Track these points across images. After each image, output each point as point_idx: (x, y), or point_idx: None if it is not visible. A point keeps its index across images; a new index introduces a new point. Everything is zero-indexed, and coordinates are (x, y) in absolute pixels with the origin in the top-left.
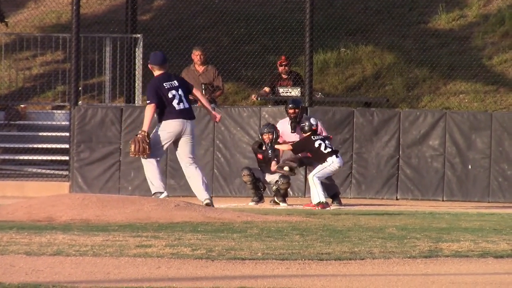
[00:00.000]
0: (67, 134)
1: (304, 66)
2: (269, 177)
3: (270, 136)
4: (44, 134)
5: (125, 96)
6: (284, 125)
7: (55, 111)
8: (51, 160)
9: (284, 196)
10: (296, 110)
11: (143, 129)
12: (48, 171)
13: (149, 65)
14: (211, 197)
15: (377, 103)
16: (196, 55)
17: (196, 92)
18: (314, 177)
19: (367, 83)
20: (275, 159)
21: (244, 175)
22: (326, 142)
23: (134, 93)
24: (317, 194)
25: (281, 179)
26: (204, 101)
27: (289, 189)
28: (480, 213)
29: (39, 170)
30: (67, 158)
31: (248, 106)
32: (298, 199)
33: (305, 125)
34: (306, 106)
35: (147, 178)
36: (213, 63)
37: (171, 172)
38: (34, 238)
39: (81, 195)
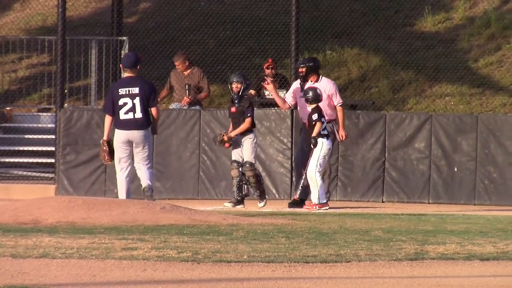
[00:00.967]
0: (53, 136)
1: (289, 68)
2: (235, 154)
3: (239, 86)
4: (30, 136)
5: None
6: (297, 85)
7: (41, 113)
8: (37, 163)
9: (245, 194)
10: (303, 69)
11: (103, 137)
12: (34, 174)
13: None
14: (151, 192)
15: (363, 106)
16: (177, 64)
17: (153, 110)
18: (315, 174)
19: (353, 86)
20: (249, 114)
21: (232, 168)
22: (325, 124)
23: None
24: (317, 193)
25: (244, 167)
26: (155, 122)
27: (249, 188)
28: (466, 216)
29: (25, 173)
30: (53, 160)
31: None
32: (284, 201)
33: (309, 96)
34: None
35: None
36: (199, 65)
37: (157, 175)
38: (20, 241)
39: (67, 197)
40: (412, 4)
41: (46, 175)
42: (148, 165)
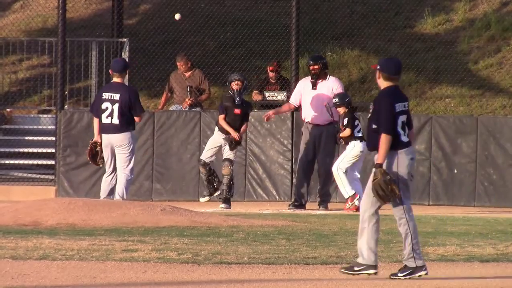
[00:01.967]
0: (53, 138)
1: (290, 70)
2: (225, 153)
3: (240, 84)
4: (30, 138)
5: None
6: (306, 82)
7: (41, 115)
8: (37, 165)
9: (214, 188)
10: (316, 66)
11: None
12: (34, 176)
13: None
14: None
15: (363, 108)
16: (180, 65)
17: (137, 119)
18: (338, 169)
19: (353, 88)
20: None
21: (201, 165)
22: (359, 127)
23: None
24: (344, 188)
25: (223, 163)
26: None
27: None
28: (466, 218)
29: (25, 175)
30: (53, 162)
31: None
32: (284, 203)
33: (337, 101)
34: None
35: None
36: (199, 67)
37: (157, 177)
38: (20, 243)
39: (67, 199)
40: (412, 6)
41: (46, 176)
42: (127, 169)
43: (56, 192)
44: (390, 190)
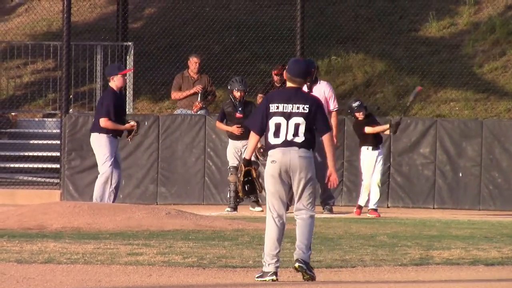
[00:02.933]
0: (58, 142)
1: None
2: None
3: (242, 94)
4: (35, 142)
5: None
6: None
7: (46, 119)
8: (42, 168)
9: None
10: (312, 70)
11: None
12: (39, 179)
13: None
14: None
15: (368, 111)
16: (194, 62)
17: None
18: (378, 186)
19: (358, 91)
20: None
21: (231, 174)
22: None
23: (125, 101)
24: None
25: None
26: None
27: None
28: (471, 221)
29: (30, 178)
30: (58, 166)
31: None
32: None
33: (355, 107)
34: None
35: None
36: (204, 71)
37: (162, 180)
38: (25, 246)
39: (72, 203)
40: (417, 10)
41: (51, 180)
42: (100, 174)
43: (61, 196)
44: (247, 187)
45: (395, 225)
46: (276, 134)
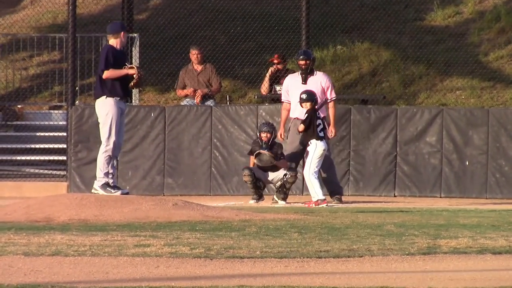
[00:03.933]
0: (65, 134)
1: None
2: (272, 175)
3: (269, 136)
4: (42, 134)
5: None
6: (293, 78)
7: (52, 111)
8: (49, 160)
9: (285, 193)
10: (307, 62)
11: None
12: (45, 171)
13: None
14: (105, 184)
15: (374, 100)
16: (193, 54)
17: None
18: (310, 175)
19: (364, 81)
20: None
21: (245, 175)
22: (322, 126)
23: (131, 92)
24: (314, 192)
25: (289, 172)
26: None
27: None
28: (478, 210)
29: (36, 171)
30: (64, 158)
31: (245, 104)
32: (296, 197)
33: (306, 96)
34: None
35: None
36: (210, 61)
37: (169, 171)
38: (33, 239)
39: (79, 195)
40: None
41: (58, 172)
42: (103, 146)
43: (68, 188)
44: None
45: (402, 214)
46: None
